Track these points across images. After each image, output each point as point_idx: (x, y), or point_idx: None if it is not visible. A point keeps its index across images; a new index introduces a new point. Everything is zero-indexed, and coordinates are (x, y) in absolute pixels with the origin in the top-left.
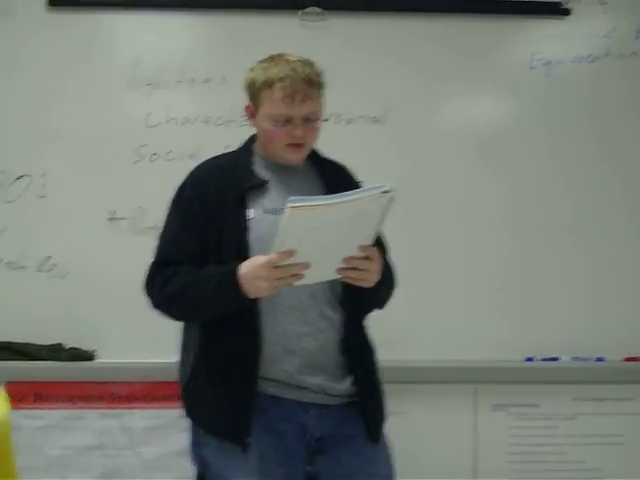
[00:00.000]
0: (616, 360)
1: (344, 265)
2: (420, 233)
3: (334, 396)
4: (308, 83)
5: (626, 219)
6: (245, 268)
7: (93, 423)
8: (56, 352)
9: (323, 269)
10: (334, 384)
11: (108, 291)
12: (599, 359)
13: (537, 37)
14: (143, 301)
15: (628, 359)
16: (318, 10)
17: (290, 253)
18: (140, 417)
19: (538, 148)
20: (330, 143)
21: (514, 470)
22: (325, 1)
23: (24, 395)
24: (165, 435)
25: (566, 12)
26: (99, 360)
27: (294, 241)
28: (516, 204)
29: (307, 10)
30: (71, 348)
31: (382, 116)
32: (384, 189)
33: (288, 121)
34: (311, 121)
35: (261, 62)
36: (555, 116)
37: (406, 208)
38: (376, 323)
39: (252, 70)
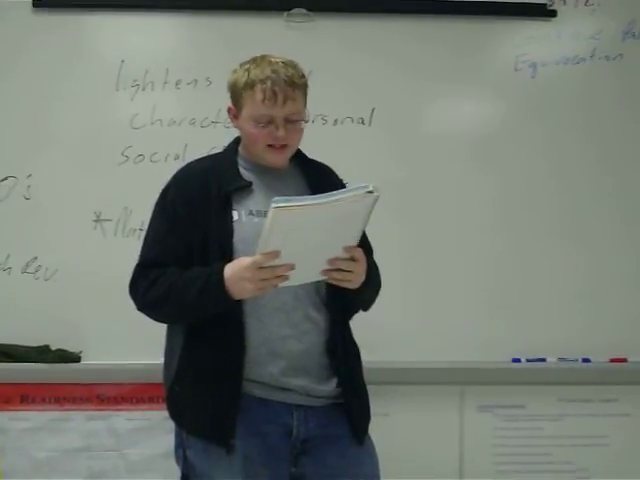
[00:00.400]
0: (602, 361)
1: (329, 266)
2: (407, 234)
3: (318, 397)
4: (290, 84)
5: (614, 220)
6: (230, 269)
7: (80, 425)
8: (43, 354)
9: (308, 270)
10: (318, 386)
11: (94, 292)
12: (585, 360)
13: (523, 38)
14: (129, 303)
15: (613, 360)
16: (304, 11)
17: (275, 254)
18: (126, 419)
19: (525, 149)
20: (316, 144)
21: (500, 471)
22: (311, 2)
23: (10, 397)
24: (151, 437)
25: (552, 14)
26: (85, 362)
27: (279, 242)
28: (504, 205)
29: (293, 11)
30: (58, 350)
31: (368, 117)
32: (368, 189)
33: (270, 122)
34: (293, 122)
35: (244, 64)
36: (541, 117)
37: (393, 209)
38: (362, 324)
39: (235, 72)
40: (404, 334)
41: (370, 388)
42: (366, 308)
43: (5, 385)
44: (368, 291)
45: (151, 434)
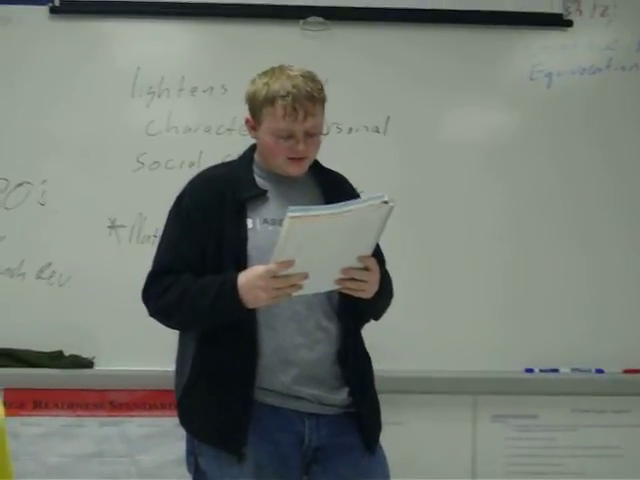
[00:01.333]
0: (615, 372)
1: (343, 276)
2: (420, 243)
3: (330, 406)
4: (310, 99)
5: (628, 231)
6: (244, 278)
7: (92, 431)
8: (56, 359)
9: (322, 280)
10: (330, 394)
11: (108, 298)
12: (598, 371)
13: (538, 48)
14: (143, 309)
15: (627, 371)
16: (320, 19)
17: (289, 263)
18: (138, 425)
19: (539, 158)
20: (331, 153)
21: None
22: (327, 11)
23: (23, 402)
24: (163, 443)
25: (568, 23)
26: (98, 368)
27: (293, 251)
28: (516, 214)
29: (309, 19)
30: (71, 355)
31: (383, 126)
32: (383, 199)
33: (290, 136)
34: (312, 135)
35: (262, 75)
36: (556, 127)
37: (406, 217)
38: (375, 333)
39: (253, 83)
40: (417, 343)
41: (383, 397)
42: (378, 318)
43: (18, 390)
44: (381, 301)
45: (163, 440)
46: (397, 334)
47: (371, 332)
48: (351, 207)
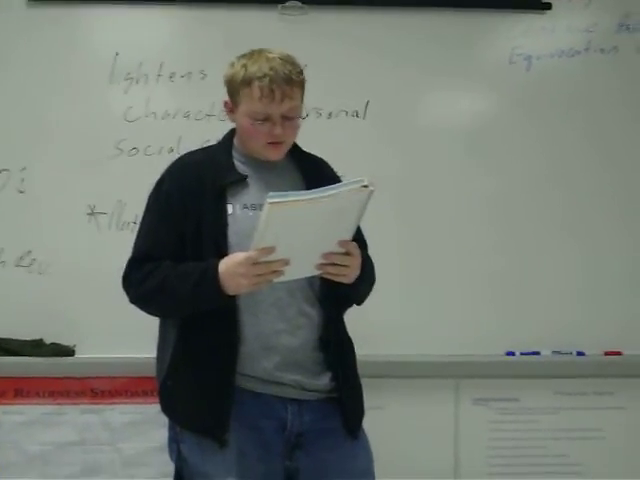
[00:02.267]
0: (597, 354)
1: (323, 261)
2: (401, 227)
3: (312, 391)
4: (288, 82)
5: (610, 214)
6: (224, 265)
7: (74, 419)
8: (37, 347)
9: (302, 265)
10: (312, 380)
11: (88, 286)
12: (580, 353)
13: (518, 31)
14: (123, 296)
15: (608, 353)
16: (298, 4)
17: (269, 249)
18: (120, 412)
19: (520, 142)
20: (311, 137)
21: (495, 465)
22: None
23: (4, 390)
24: (146, 430)
25: (547, 6)
26: (79, 355)
27: (273, 237)
28: (499, 198)
29: (287, 4)
30: (52, 343)
31: (363, 110)
32: (363, 184)
33: (267, 119)
34: (290, 119)
35: (240, 58)
36: (536, 110)
37: (388, 202)
38: (358, 318)
39: (232, 66)
40: (399, 327)
41: (365, 381)
42: (360, 302)
43: None
44: (363, 285)
45: (145, 428)
46: (379, 319)
47: (353, 317)
48: (331, 192)
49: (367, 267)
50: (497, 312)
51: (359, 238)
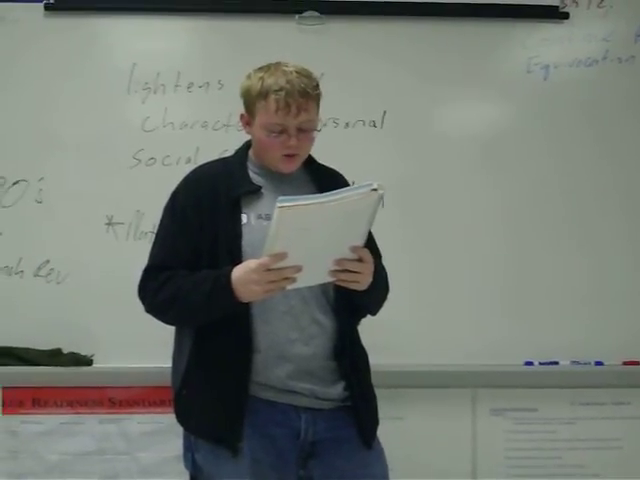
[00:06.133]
0: (615, 364)
1: (336, 267)
2: (418, 237)
3: (326, 400)
4: (303, 95)
5: (626, 223)
6: (237, 272)
7: (92, 428)
8: (55, 357)
9: (315, 272)
10: (325, 389)
11: (106, 296)
12: (598, 363)
13: (535, 41)
14: (141, 306)
15: (627, 363)
16: (316, 14)
17: (282, 256)
18: (138, 422)
19: (536, 151)
20: (328, 147)
21: (513, 475)
22: (323, 5)
23: (23, 400)
24: (163, 440)
25: (564, 16)
26: (97, 365)
27: (285, 243)
28: (514, 208)
29: (305, 14)
30: (70, 353)
31: (380, 120)
32: (373, 187)
33: (282, 131)
34: (305, 131)
35: (257, 71)
36: (553, 119)
37: (404, 212)
38: (374, 327)
39: (248, 78)
40: (416, 337)
41: (382, 392)
42: (374, 312)
43: (17, 388)
44: (376, 293)
45: (163, 437)
46: (396, 328)
47: (370, 327)
48: (340, 195)
49: (380, 276)
50: (515, 322)
51: (372, 247)
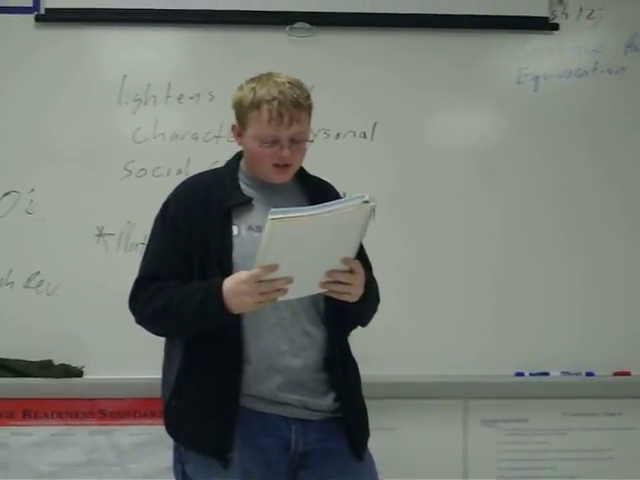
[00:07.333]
0: (605, 375)
1: (327, 279)
2: (409, 247)
3: (316, 411)
4: (296, 106)
5: (618, 233)
6: (228, 283)
7: (82, 440)
8: (45, 368)
9: (306, 283)
10: (315, 400)
11: (96, 307)
12: (589, 374)
13: (525, 52)
14: (132, 317)
15: (617, 374)
16: (307, 25)
17: (273, 267)
18: (129, 433)
19: (527, 162)
20: (319, 158)
21: None
22: (313, 16)
23: (13, 411)
24: (154, 451)
25: (554, 27)
26: (88, 377)
27: (276, 254)
28: (506, 218)
29: (295, 25)
30: (60, 364)
31: (370, 131)
32: (364, 199)
33: (275, 142)
34: (297, 142)
35: (249, 81)
36: (543, 130)
37: (395, 222)
38: (365, 338)
39: (240, 89)
40: (407, 348)
41: (373, 402)
42: (364, 324)
43: (8, 400)
44: (366, 305)
45: (154, 449)
46: (387, 339)
47: (361, 338)
48: (332, 207)
49: (371, 287)
50: (506, 332)
51: (363, 259)
